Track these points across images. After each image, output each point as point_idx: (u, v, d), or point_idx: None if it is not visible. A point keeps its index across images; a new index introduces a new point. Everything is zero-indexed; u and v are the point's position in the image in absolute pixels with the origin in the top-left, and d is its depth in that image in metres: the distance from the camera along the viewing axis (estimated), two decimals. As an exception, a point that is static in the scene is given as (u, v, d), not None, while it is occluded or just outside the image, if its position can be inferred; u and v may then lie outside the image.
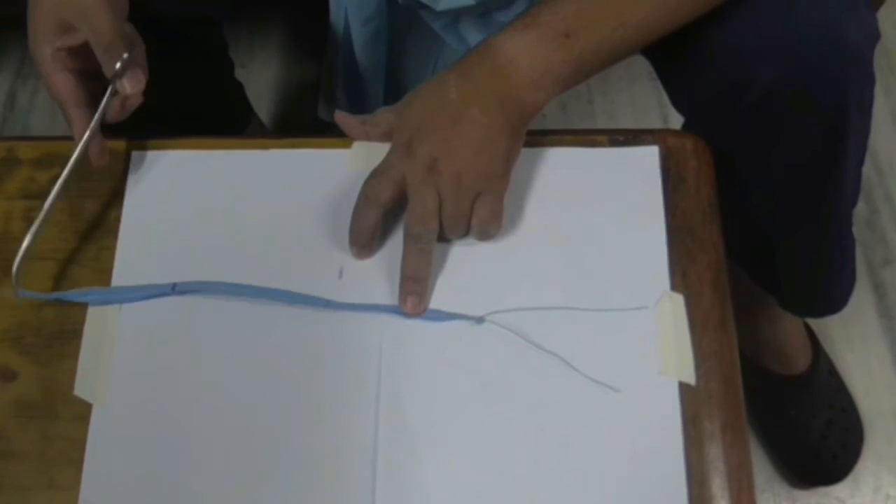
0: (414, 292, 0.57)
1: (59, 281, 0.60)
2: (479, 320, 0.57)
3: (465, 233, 0.59)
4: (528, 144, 0.62)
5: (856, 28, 0.58)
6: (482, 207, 0.58)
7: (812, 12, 0.57)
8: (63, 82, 0.59)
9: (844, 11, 0.58)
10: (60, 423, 0.56)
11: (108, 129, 0.92)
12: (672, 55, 0.65)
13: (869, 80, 0.63)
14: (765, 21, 0.58)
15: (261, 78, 1.28)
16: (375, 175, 0.58)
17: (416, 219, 0.57)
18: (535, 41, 0.56)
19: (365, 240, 0.59)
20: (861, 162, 0.72)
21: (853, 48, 0.59)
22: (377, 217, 0.58)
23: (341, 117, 0.63)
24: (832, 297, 0.89)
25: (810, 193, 0.70)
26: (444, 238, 0.59)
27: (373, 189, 0.58)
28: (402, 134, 0.59)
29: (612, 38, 0.57)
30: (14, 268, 0.58)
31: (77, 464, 0.55)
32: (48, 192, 0.63)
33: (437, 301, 0.58)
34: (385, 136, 0.61)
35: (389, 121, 0.61)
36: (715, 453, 0.54)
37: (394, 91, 0.84)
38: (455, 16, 0.73)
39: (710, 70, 0.62)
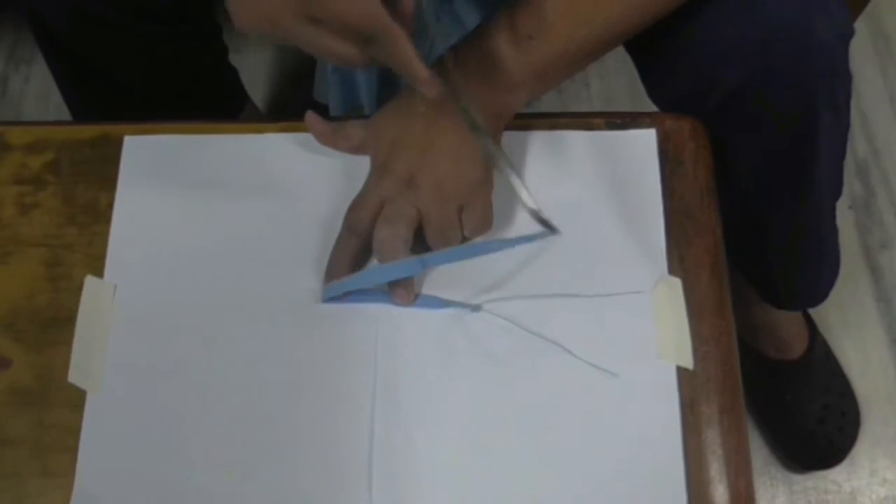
0: (399, 285, 0.56)
1: (52, 267, 0.60)
2: (476, 308, 0.57)
3: (457, 243, 0.57)
4: (525, 128, 0.61)
5: (825, 26, 0.58)
6: (472, 217, 0.57)
7: (778, 12, 0.57)
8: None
9: (813, 10, 0.57)
10: (54, 410, 0.56)
11: (98, 114, 0.91)
12: (646, 51, 0.65)
13: (841, 79, 0.62)
14: (731, 21, 0.58)
15: (255, 62, 1.27)
16: (354, 203, 0.58)
17: (384, 221, 0.56)
18: (497, 45, 0.55)
19: (343, 274, 0.57)
20: (842, 156, 0.71)
21: (821, 47, 0.58)
22: (357, 247, 0.57)
23: (312, 120, 0.61)
24: (810, 289, 0.89)
25: (782, 188, 0.70)
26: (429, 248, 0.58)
27: (353, 217, 0.57)
28: (377, 155, 0.58)
29: (576, 37, 0.56)
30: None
31: (71, 451, 0.55)
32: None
33: (432, 288, 0.58)
34: (354, 150, 0.61)
35: (360, 135, 0.60)
36: (713, 437, 0.54)
37: (389, 73, 0.83)
38: (448, -3, 0.73)
39: (679, 69, 0.62)
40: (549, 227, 0.56)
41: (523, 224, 0.58)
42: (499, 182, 0.58)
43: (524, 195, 0.55)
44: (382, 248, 0.55)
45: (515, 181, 0.54)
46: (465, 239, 0.58)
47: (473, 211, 0.57)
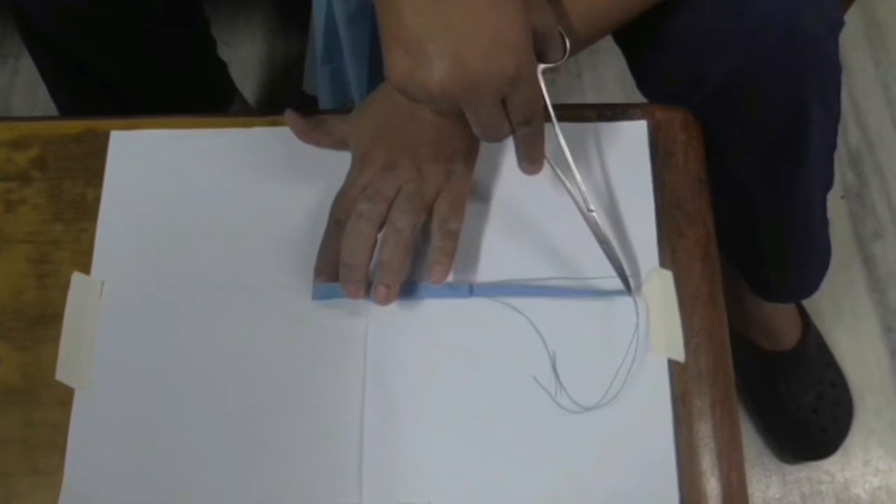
0: (383, 283, 0.55)
1: (38, 264, 0.59)
2: (467, 294, 0.56)
3: (419, 221, 0.56)
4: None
5: (814, 18, 0.57)
6: (442, 205, 0.56)
7: (766, 4, 0.56)
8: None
9: (801, 2, 0.56)
10: (43, 408, 0.56)
11: (86, 110, 0.90)
12: (635, 42, 0.64)
13: (831, 71, 0.62)
14: (718, 13, 0.57)
15: (244, 55, 1.26)
16: (339, 196, 0.57)
17: (364, 199, 0.55)
18: None
19: (332, 268, 0.57)
20: (833, 148, 0.71)
21: (810, 39, 0.58)
22: None
23: (291, 118, 0.61)
24: (801, 281, 0.89)
25: (772, 180, 0.70)
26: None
27: (339, 210, 0.57)
28: (358, 148, 0.58)
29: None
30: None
31: (60, 449, 0.54)
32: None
33: (420, 275, 0.58)
34: (336, 145, 0.60)
35: (342, 130, 0.60)
36: (705, 430, 0.53)
37: (380, 67, 0.82)
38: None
39: (667, 60, 0.62)
40: (627, 287, 0.56)
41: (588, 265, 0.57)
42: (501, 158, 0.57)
43: (617, 259, 0.55)
44: (353, 221, 0.55)
45: (611, 250, 0.55)
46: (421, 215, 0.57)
47: (445, 200, 0.56)
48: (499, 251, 0.58)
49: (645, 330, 0.55)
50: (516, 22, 0.46)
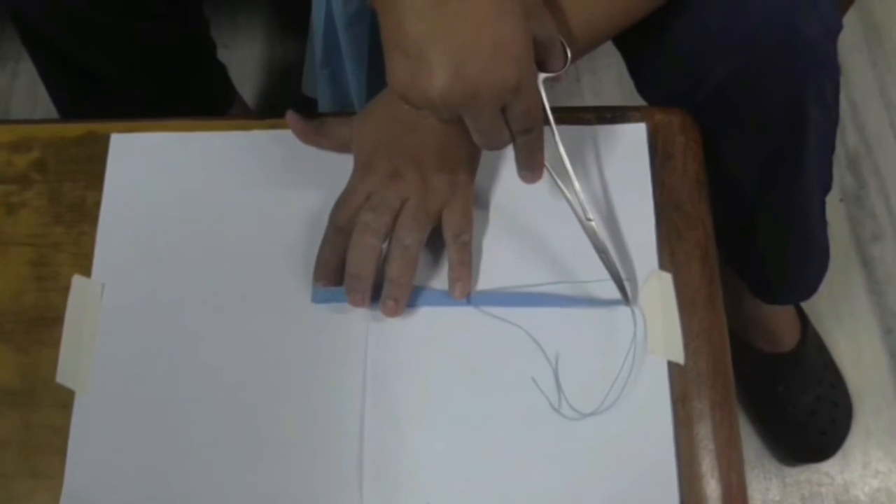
0: (392, 298, 0.55)
1: (38, 267, 0.59)
2: (465, 302, 0.56)
3: (426, 234, 0.57)
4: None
5: (812, 21, 0.58)
6: (452, 217, 0.56)
7: (765, 6, 0.57)
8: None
9: (799, 4, 0.57)
10: (42, 410, 0.56)
11: (85, 112, 0.91)
12: (635, 45, 0.65)
13: (829, 73, 0.62)
14: (717, 15, 0.58)
15: (244, 58, 1.26)
16: (339, 201, 0.57)
17: (368, 209, 0.55)
18: None
19: (331, 273, 0.57)
20: (831, 149, 0.71)
21: (808, 42, 0.58)
22: (344, 245, 0.56)
23: (293, 119, 0.61)
24: (799, 283, 0.89)
25: (770, 181, 0.70)
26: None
27: (339, 215, 0.57)
28: (361, 154, 0.58)
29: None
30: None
31: (60, 452, 0.54)
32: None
33: (419, 279, 0.57)
34: (337, 148, 0.60)
35: (344, 134, 0.60)
36: (704, 432, 0.53)
37: (379, 71, 0.82)
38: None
39: (666, 62, 0.62)
40: (625, 297, 0.56)
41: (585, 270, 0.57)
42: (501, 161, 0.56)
43: (615, 269, 0.55)
44: (360, 231, 0.55)
45: (609, 259, 0.55)
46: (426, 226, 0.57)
47: (454, 213, 0.57)
48: (498, 258, 0.58)
49: (643, 338, 0.55)
50: (518, 31, 0.46)
